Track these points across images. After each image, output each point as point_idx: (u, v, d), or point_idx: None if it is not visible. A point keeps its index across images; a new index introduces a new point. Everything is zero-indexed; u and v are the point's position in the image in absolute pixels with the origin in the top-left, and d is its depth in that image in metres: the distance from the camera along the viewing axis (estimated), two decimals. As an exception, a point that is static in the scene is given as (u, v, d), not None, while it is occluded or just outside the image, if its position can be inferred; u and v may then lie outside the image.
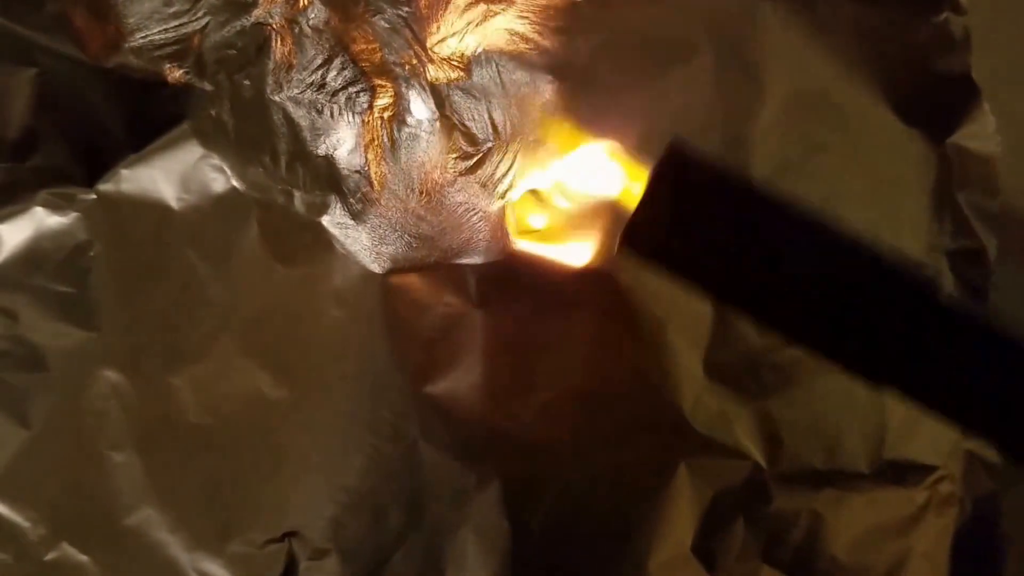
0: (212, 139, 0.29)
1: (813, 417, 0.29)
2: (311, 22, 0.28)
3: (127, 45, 0.29)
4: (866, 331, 0.25)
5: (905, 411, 0.30)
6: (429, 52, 0.28)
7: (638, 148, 0.29)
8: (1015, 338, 0.24)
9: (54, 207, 0.29)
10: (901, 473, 0.30)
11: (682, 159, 0.26)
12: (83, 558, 0.29)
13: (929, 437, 0.30)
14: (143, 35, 0.28)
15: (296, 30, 0.28)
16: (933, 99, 0.31)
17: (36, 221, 0.29)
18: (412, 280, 0.29)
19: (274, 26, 0.28)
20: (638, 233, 0.27)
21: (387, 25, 0.28)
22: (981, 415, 0.25)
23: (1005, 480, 0.30)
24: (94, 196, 0.29)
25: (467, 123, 0.29)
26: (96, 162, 0.29)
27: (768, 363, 0.29)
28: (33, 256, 0.29)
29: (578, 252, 0.29)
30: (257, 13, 0.28)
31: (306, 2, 0.28)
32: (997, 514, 0.30)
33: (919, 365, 0.25)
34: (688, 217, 0.26)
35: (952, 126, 0.31)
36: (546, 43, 0.29)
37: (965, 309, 0.24)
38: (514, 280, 0.29)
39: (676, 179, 0.26)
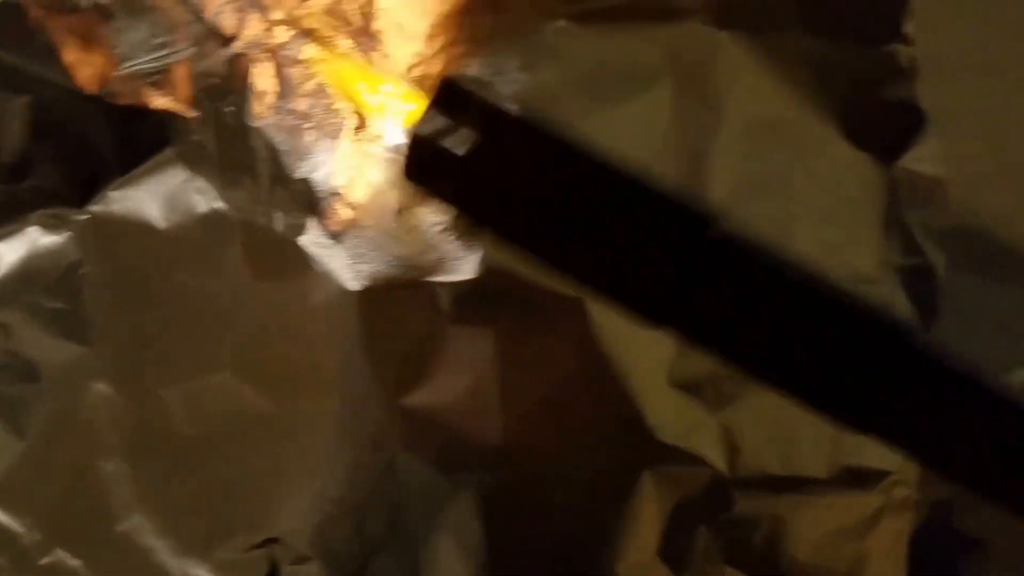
0: (196, 163, 0.28)
1: (771, 425, 0.28)
2: (291, 52, 0.28)
3: (115, 74, 0.28)
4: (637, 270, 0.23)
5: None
6: (403, 81, 0.27)
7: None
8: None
9: (48, 227, 0.29)
10: (857, 478, 0.29)
11: (454, 95, 0.25)
12: (76, 563, 0.29)
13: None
14: (130, 64, 0.28)
15: (277, 60, 0.28)
16: (882, 125, 0.30)
17: (31, 240, 0.29)
18: (389, 297, 0.28)
19: (255, 56, 0.27)
20: (417, 166, 0.25)
21: (364, 54, 0.27)
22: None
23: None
24: (86, 217, 0.29)
25: (441, 147, 0.28)
26: (88, 184, 0.29)
27: (728, 374, 0.28)
28: (28, 274, 0.29)
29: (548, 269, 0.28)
30: (239, 45, 0.28)
31: (286, 34, 0.27)
32: (952, 517, 0.29)
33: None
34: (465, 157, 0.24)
35: (900, 150, 0.30)
36: (514, 73, 0.28)
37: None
38: (486, 298, 0.28)
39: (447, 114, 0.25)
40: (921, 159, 0.30)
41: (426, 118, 0.25)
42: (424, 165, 0.25)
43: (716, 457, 0.28)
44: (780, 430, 0.28)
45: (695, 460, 0.28)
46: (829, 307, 0.23)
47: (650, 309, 0.23)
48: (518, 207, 0.24)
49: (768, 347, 0.23)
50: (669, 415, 0.28)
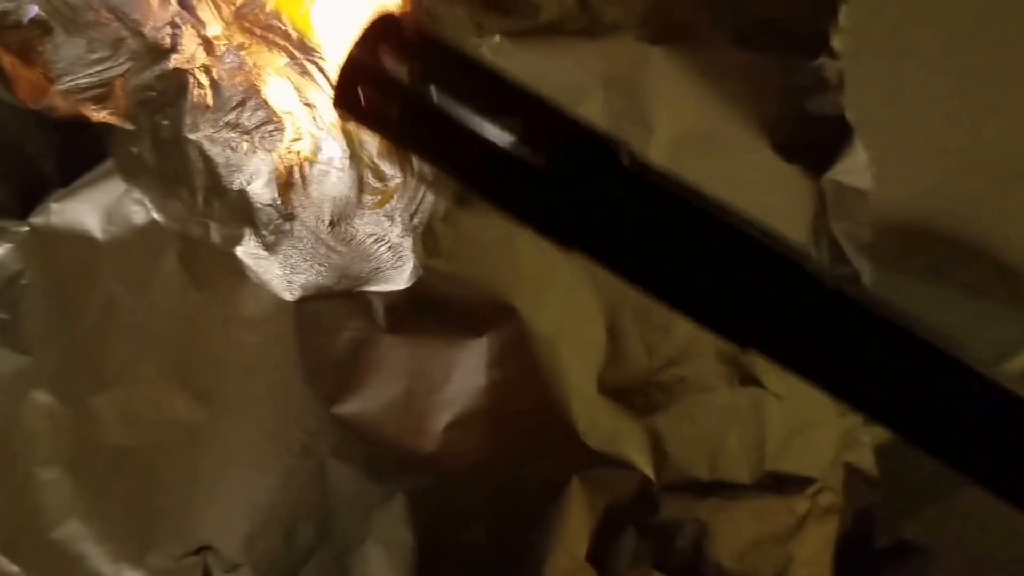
0: (134, 175, 0.29)
1: (697, 432, 0.29)
2: (227, 67, 0.28)
3: (55, 88, 0.28)
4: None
5: (785, 426, 0.30)
6: (338, 95, 0.28)
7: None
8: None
9: None
10: (782, 484, 0.30)
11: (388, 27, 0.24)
12: (14, 568, 0.29)
13: (808, 451, 0.30)
14: (69, 79, 0.28)
15: (212, 74, 0.28)
16: (810, 138, 0.31)
17: None
18: (323, 307, 0.29)
19: (191, 70, 0.28)
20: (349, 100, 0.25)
21: (299, 70, 0.28)
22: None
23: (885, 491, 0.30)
24: (27, 228, 0.29)
25: (376, 160, 0.29)
26: (29, 197, 0.29)
27: (656, 382, 0.29)
28: (-30, 285, 0.29)
29: (481, 279, 0.29)
30: (176, 58, 0.28)
31: (222, 49, 0.28)
32: (875, 523, 0.30)
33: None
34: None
35: (828, 162, 0.31)
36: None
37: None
38: (420, 306, 0.29)
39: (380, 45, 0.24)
40: (848, 171, 0.31)
41: (361, 46, 0.24)
42: (356, 93, 0.24)
43: (644, 462, 0.29)
44: (706, 437, 0.29)
45: (623, 465, 0.29)
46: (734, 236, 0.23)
47: (562, 236, 0.24)
48: (452, 138, 0.24)
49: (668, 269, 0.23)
50: (598, 421, 0.29)
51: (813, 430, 0.30)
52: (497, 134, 0.23)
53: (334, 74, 0.26)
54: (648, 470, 0.29)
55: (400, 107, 0.24)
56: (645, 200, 0.24)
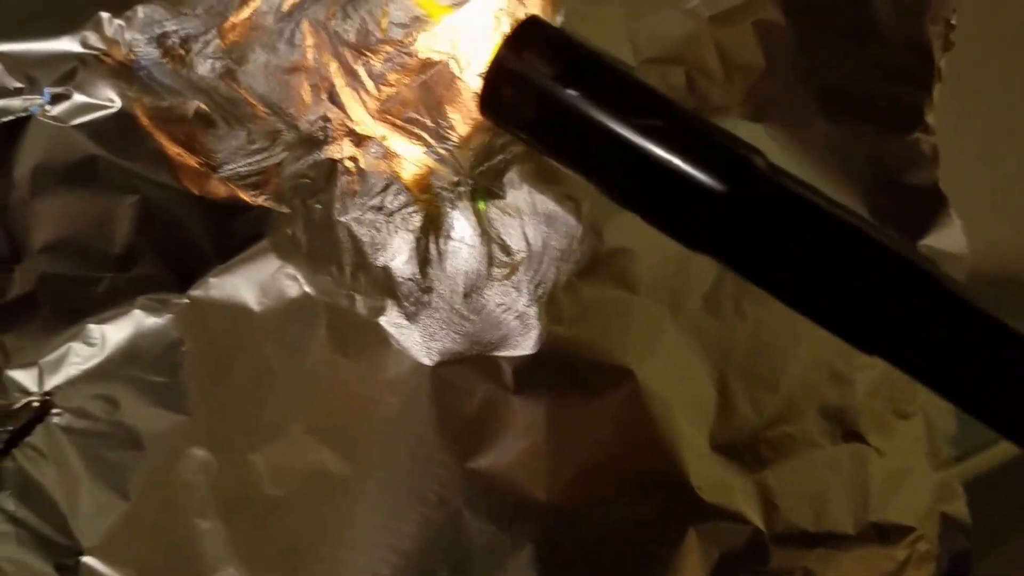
0: (288, 253, 0.35)
1: (804, 486, 0.35)
2: (372, 156, 0.34)
3: (216, 176, 0.34)
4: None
5: (885, 479, 0.35)
6: (470, 178, 0.34)
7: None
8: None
9: (151, 310, 0.35)
10: (883, 533, 0.35)
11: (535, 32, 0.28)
12: None
13: (906, 501, 0.35)
14: (229, 167, 0.34)
15: (359, 162, 0.34)
16: (906, 206, 0.36)
17: (136, 322, 0.35)
18: (457, 370, 0.34)
19: (341, 159, 0.34)
20: (492, 100, 0.29)
21: (435, 157, 0.34)
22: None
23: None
24: (186, 301, 0.35)
25: (503, 237, 0.35)
26: (188, 272, 0.35)
27: (764, 439, 0.35)
28: (132, 352, 0.35)
29: (599, 343, 0.35)
30: (327, 149, 0.34)
31: (368, 139, 0.34)
32: (969, 569, 0.35)
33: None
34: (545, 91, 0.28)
35: (923, 229, 0.36)
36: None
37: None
38: (544, 370, 0.34)
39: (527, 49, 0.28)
40: (942, 237, 0.36)
41: (506, 51, 0.28)
42: (501, 97, 0.29)
43: (754, 515, 0.34)
44: (812, 490, 0.35)
45: (736, 517, 0.34)
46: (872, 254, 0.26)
47: (692, 234, 0.27)
48: (591, 141, 0.27)
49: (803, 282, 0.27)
50: (711, 476, 0.34)
51: (911, 482, 0.36)
52: (633, 135, 0.27)
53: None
54: (759, 522, 0.34)
55: (538, 108, 0.28)
56: (777, 201, 0.27)
